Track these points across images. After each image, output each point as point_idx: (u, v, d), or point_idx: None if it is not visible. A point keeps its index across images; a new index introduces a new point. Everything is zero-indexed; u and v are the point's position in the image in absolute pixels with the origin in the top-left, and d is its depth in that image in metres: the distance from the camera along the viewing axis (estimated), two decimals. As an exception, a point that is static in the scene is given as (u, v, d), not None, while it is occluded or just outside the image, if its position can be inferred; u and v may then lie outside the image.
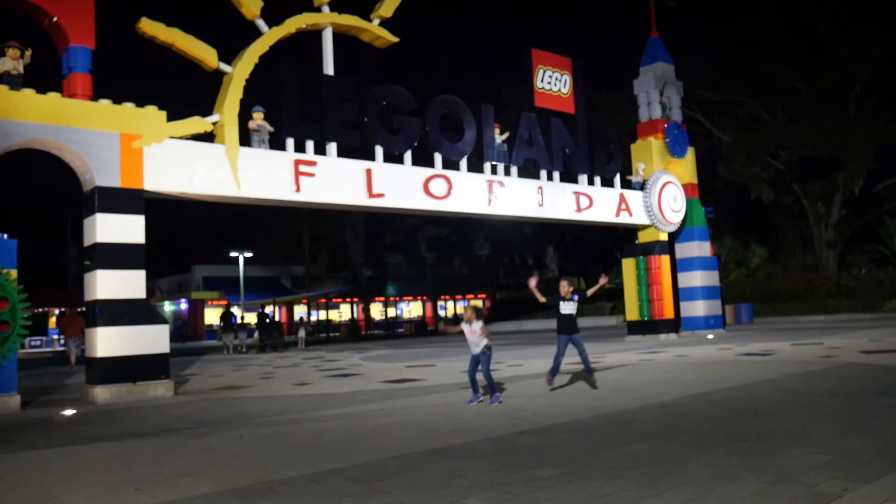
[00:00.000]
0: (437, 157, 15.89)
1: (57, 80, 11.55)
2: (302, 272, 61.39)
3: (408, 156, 15.38)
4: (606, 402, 8.13)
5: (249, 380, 14.06)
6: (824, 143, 35.33)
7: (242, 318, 33.84)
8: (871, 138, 35.19)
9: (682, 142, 22.07)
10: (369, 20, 15.09)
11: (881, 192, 38.07)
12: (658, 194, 20.55)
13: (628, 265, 21.53)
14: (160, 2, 22.64)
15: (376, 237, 61.32)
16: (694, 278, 22.02)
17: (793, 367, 10.72)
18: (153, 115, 11.96)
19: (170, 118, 12.20)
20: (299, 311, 52.57)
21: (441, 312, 55.15)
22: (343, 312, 53.25)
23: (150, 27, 12.20)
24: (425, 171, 15.59)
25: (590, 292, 10.27)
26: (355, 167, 14.45)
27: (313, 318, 50.35)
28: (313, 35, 14.66)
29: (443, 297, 55.48)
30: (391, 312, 54.44)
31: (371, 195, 14.55)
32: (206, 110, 12.98)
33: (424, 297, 56.16)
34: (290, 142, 13.73)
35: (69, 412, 9.84)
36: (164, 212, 20.23)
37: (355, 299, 52.69)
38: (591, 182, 19.34)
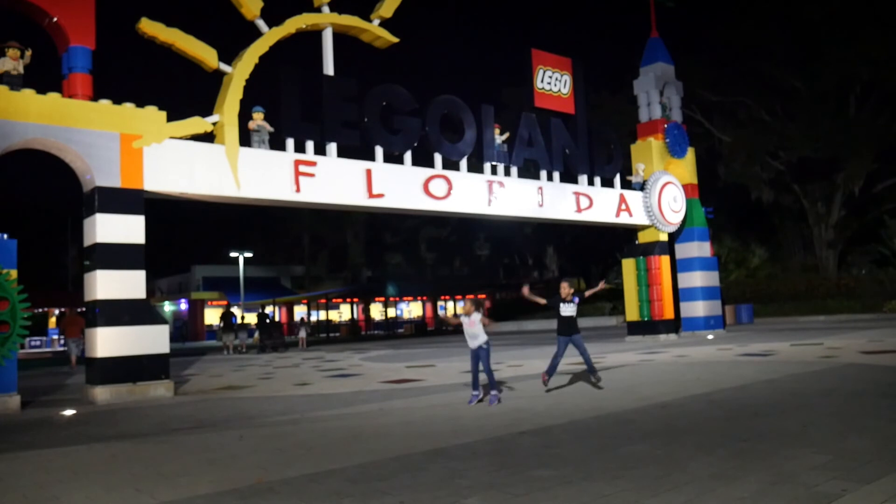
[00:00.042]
0: (437, 158, 15.90)
1: (57, 80, 11.56)
2: (302, 272, 61.39)
3: (408, 156, 15.39)
4: (606, 403, 8.13)
5: (249, 380, 14.06)
6: (824, 144, 35.33)
7: (243, 318, 33.82)
8: (871, 139, 35.21)
9: (682, 142, 22.08)
10: (369, 20, 15.10)
11: (881, 192, 38.06)
12: (658, 194, 20.55)
13: (628, 265, 21.53)
14: (160, 2, 22.60)
15: (376, 237, 61.29)
16: (694, 279, 22.03)
17: (793, 368, 10.72)
18: (153, 115, 11.96)
19: (170, 118, 12.21)
20: (299, 311, 52.56)
21: (441, 313, 55.16)
22: (343, 313, 53.25)
23: (150, 27, 12.21)
24: (425, 172, 15.59)
25: (588, 293, 10.28)
26: (355, 167, 14.46)
27: (313, 318, 50.33)
28: (313, 35, 14.66)
29: (443, 297, 55.46)
30: (391, 313, 54.44)
31: (371, 195, 14.55)
32: (206, 110, 12.99)
33: (424, 298, 56.17)
34: (290, 142, 13.74)
35: (69, 412, 9.84)
36: (164, 212, 20.21)
37: (355, 299, 52.68)
38: (591, 182, 19.34)
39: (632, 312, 21.34)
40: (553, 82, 18.76)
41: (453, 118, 16.42)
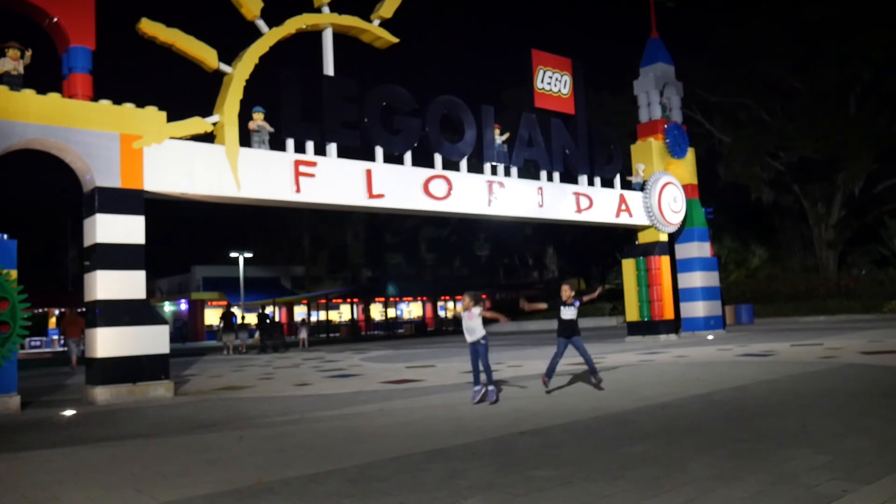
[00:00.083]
0: (437, 158, 15.90)
1: (57, 80, 11.56)
2: (302, 273, 61.37)
3: (408, 156, 15.39)
4: (606, 403, 8.13)
5: (249, 380, 14.06)
6: (824, 144, 35.33)
7: (243, 318, 33.82)
8: (871, 139, 35.19)
9: (682, 142, 22.08)
10: (369, 21, 15.09)
11: (881, 192, 38.05)
12: (658, 195, 20.56)
13: (628, 266, 21.53)
14: (160, 2, 22.62)
15: (376, 238, 61.28)
16: (694, 279, 22.03)
17: (793, 368, 10.72)
18: (153, 115, 11.96)
19: (170, 119, 12.21)
20: (299, 311, 52.55)
21: (441, 313, 55.15)
22: (343, 313, 53.24)
23: (151, 28, 12.21)
24: (425, 172, 15.59)
25: (585, 299, 10.25)
26: (355, 168, 14.46)
27: (313, 318, 50.33)
28: (313, 36, 14.66)
29: (443, 297, 55.46)
30: (391, 313, 54.43)
31: (371, 196, 14.55)
32: (207, 111, 12.99)
33: (424, 298, 56.16)
34: (290, 142, 13.74)
35: (69, 413, 9.84)
36: (164, 212, 20.20)
37: (355, 300, 52.68)
38: (591, 183, 19.34)
39: (632, 313, 21.34)
40: (553, 82, 18.76)
41: (453, 118, 16.42)
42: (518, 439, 6.29)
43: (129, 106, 11.71)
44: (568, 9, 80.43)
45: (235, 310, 35.75)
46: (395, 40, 15.34)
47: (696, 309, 21.98)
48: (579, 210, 18.75)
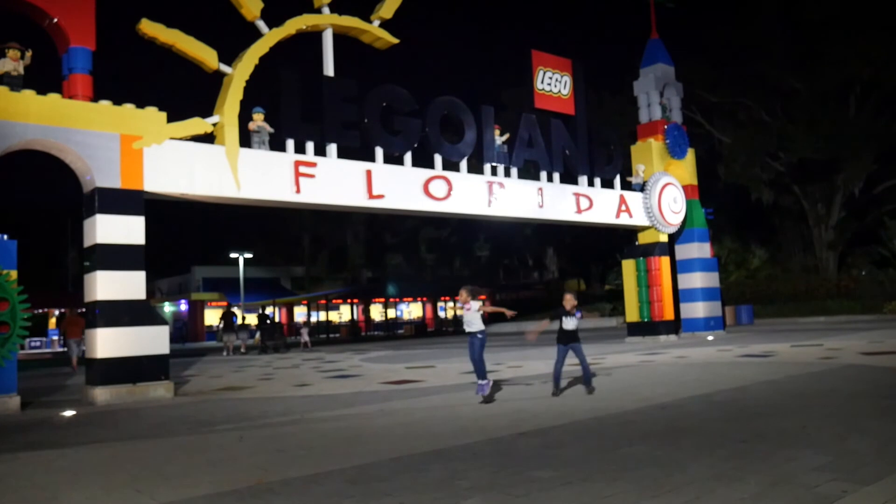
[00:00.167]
0: (438, 159, 15.90)
1: (57, 81, 11.55)
2: (302, 273, 61.33)
3: (408, 157, 15.39)
4: (606, 404, 8.13)
5: (249, 381, 14.06)
6: (824, 145, 35.34)
7: (243, 318, 33.81)
8: (871, 140, 35.21)
9: (682, 143, 22.08)
10: (369, 21, 15.10)
11: (881, 193, 38.06)
12: (658, 195, 20.56)
13: (628, 266, 21.53)
14: (160, 2, 22.63)
15: (376, 238, 61.27)
16: (694, 280, 22.03)
17: (793, 369, 10.72)
18: (153, 116, 11.96)
19: (170, 119, 12.21)
20: (299, 312, 52.54)
21: (441, 314, 55.13)
22: (343, 313, 53.21)
23: (151, 28, 12.21)
24: (425, 173, 15.59)
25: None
26: (355, 168, 14.46)
27: (313, 319, 50.32)
28: (313, 36, 14.66)
29: (443, 298, 55.43)
30: (391, 314, 54.41)
31: (371, 196, 14.55)
32: (207, 111, 12.98)
33: (424, 299, 56.12)
34: (290, 143, 13.74)
35: (69, 413, 9.83)
36: (164, 212, 20.21)
37: (355, 300, 52.66)
38: (591, 183, 19.34)
39: (632, 313, 21.34)
40: (553, 83, 18.76)
41: (453, 119, 16.43)
42: (518, 440, 6.29)
43: (129, 106, 11.71)
44: (568, 9, 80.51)
45: (235, 310, 35.73)
46: (396, 41, 15.34)
47: (696, 310, 21.99)
48: (579, 211, 18.75)
